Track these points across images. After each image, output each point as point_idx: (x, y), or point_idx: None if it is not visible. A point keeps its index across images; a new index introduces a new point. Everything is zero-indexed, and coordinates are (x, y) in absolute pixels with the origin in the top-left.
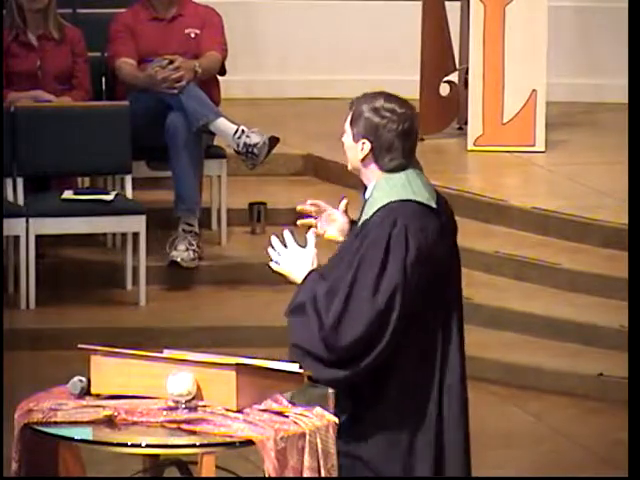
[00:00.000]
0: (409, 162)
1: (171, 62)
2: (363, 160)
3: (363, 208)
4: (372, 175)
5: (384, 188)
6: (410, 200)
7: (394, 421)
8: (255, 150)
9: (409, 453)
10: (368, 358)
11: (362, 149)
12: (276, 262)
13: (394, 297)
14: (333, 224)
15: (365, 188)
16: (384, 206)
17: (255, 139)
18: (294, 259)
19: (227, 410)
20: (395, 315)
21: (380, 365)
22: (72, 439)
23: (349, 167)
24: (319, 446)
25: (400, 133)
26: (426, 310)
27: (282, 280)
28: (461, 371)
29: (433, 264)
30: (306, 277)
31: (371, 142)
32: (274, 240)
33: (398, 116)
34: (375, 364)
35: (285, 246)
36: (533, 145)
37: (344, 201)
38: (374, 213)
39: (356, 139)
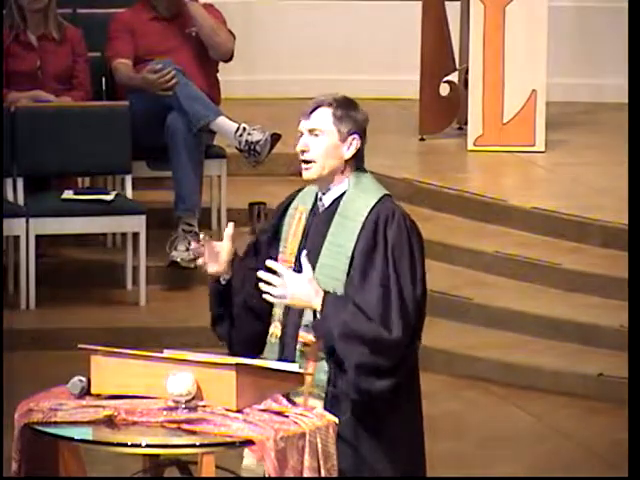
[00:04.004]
0: None
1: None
2: (350, 158)
3: (331, 204)
4: (343, 176)
5: (366, 183)
6: (390, 196)
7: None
8: (257, 147)
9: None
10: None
11: (351, 145)
12: (281, 296)
13: (424, 284)
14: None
15: (322, 193)
16: (379, 201)
17: (257, 136)
18: (300, 286)
19: (227, 410)
20: (425, 302)
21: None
22: (72, 439)
23: (316, 174)
24: (319, 446)
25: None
26: None
27: None
28: None
29: None
30: (324, 301)
31: (361, 138)
32: (265, 275)
33: (366, 116)
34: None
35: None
36: (533, 145)
37: (230, 227)
38: (371, 209)
39: (344, 137)
